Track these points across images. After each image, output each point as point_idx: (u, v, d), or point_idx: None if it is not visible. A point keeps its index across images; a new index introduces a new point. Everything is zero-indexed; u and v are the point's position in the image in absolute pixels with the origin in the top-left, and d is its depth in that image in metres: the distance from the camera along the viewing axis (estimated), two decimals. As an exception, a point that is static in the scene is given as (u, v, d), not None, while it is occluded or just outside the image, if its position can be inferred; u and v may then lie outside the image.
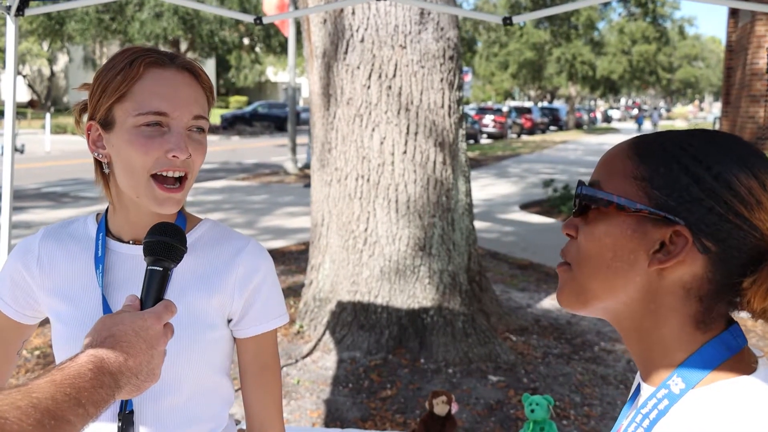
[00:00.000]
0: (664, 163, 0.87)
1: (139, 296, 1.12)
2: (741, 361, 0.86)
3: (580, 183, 0.93)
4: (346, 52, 5.19)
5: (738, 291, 0.86)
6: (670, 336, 0.88)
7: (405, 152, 5.16)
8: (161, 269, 1.13)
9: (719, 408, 0.80)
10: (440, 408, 2.75)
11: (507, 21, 2.78)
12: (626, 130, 51.46)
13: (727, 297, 0.87)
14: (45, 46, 38.52)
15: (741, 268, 0.85)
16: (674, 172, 0.86)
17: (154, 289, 1.12)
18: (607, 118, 68.77)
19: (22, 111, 36.31)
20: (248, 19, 2.99)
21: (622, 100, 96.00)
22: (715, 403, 0.81)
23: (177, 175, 1.26)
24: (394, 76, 5.13)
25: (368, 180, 5.21)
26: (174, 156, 1.24)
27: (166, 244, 1.13)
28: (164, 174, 1.26)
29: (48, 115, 24.50)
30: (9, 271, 1.40)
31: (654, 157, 0.88)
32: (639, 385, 0.97)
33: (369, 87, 5.15)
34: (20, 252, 1.40)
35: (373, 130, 5.17)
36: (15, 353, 1.47)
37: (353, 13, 5.13)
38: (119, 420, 1.30)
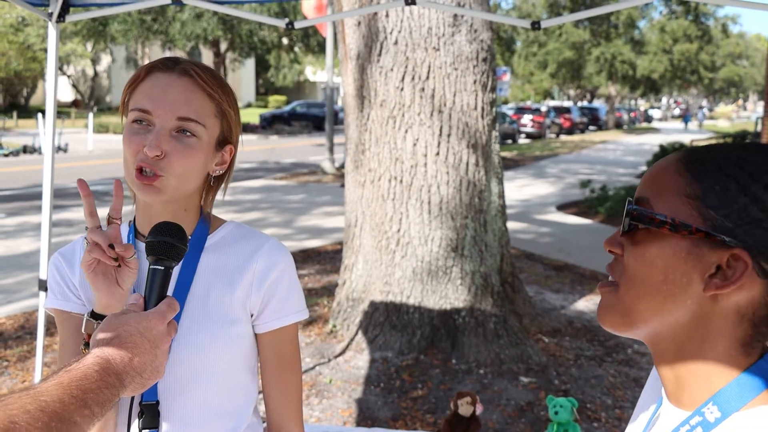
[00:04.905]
0: (719, 181, 0.82)
1: (143, 295, 1.17)
2: None
3: (629, 201, 0.88)
4: (380, 54, 5.23)
5: None
6: (713, 360, 0.85)
7: (438, 154, 5.18)
8: (163, 268, 1.17)
9: None
10: (465, 409, 2.77)
11: (535, 26, 2.79)
12: (666, 130, 50.71)
13: None
14: (89, 46, 39.18)
15: None
16: (731, 191, 0.81)
17: (157, 288, 1.16)
18: (648, 118, 67.78)
19: (66, 110, 36.96)
20: (281, 24, 3.03)
21: (663, 100, 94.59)
22: (756, 428, 0.78)
23: (149, 171, 1.31)
24: (428, 78, 5.15)
25: (401, 181, 5.24)
26: (145, 152, 1.30)
27: (167, 243, 1.18)
28: (140, 167, 1.32)
29: (91, 115, 25.05)
30: (53, 271, 1.48)
31: (708, 174, 0.83)
32: (661, 400, 0.94)
33: (402, 89, 5.18)
34: (62, 252, 1.49)
35: (407, 131, 5.20)
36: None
37: (387, 15, 5.16)
38: (140, 409, 1.35)
